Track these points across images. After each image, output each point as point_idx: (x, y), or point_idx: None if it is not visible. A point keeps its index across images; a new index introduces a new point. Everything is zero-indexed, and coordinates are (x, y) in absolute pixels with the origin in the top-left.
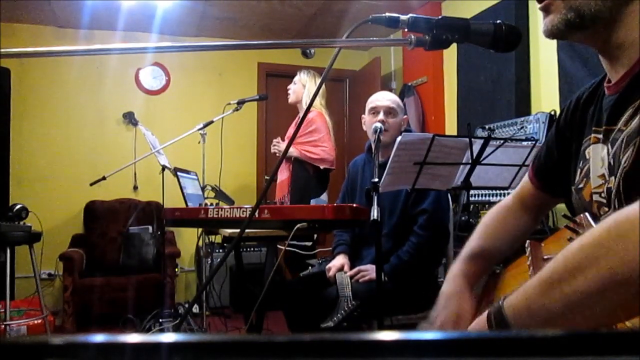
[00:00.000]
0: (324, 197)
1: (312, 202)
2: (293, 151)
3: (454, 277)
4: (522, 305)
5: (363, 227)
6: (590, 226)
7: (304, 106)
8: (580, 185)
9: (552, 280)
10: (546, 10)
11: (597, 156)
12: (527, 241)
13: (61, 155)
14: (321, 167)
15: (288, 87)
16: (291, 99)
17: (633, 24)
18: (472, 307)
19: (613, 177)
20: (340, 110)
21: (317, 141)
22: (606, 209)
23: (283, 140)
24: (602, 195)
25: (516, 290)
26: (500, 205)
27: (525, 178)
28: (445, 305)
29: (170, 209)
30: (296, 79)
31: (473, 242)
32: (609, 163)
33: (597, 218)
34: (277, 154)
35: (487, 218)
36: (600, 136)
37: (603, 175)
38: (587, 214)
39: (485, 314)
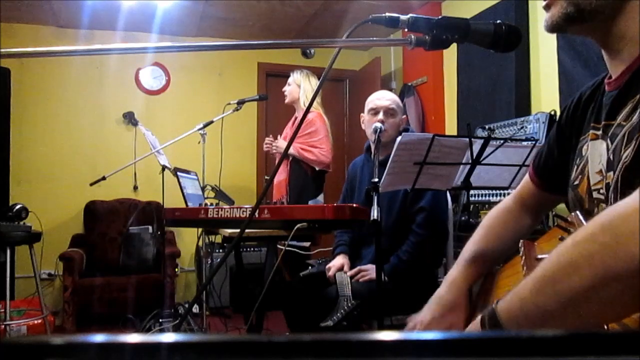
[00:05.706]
0: (321, 198)
1: (310, 203)
2: (291, 150)
3: (453, 282)
4: (515, 307)
5: (363, 227)
6: (582, 224)
7: (302, 105)
8: (576, 182)
9: (546, 279)
10: (548, 7)
11: (596, 152)
12: (521, 241)
13: (61, 156)
14: (317, 168)
15: (283, 89)
16: (288, 100)
17: (634, 18)
18: (466, 317)
19: (612, 173)
20: (340, 110)
21: (316, 142)
22: (604, 205)
23: (276, 138)
24: (601, 191)
25: (509, 293)
26: (499, 206)
27: (526, 177)
28: (441, 315)
29: (170, 209)
30: (290, 80)
31: (474, 245)
32: (608, 158)
33: (590, 215)
34: (271, 153)
35: (487, 220)
36: (599, 132)
37: (601, 172)
38: (578, 212)
39: (478, 319)
